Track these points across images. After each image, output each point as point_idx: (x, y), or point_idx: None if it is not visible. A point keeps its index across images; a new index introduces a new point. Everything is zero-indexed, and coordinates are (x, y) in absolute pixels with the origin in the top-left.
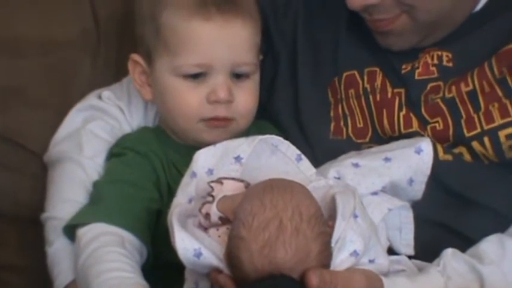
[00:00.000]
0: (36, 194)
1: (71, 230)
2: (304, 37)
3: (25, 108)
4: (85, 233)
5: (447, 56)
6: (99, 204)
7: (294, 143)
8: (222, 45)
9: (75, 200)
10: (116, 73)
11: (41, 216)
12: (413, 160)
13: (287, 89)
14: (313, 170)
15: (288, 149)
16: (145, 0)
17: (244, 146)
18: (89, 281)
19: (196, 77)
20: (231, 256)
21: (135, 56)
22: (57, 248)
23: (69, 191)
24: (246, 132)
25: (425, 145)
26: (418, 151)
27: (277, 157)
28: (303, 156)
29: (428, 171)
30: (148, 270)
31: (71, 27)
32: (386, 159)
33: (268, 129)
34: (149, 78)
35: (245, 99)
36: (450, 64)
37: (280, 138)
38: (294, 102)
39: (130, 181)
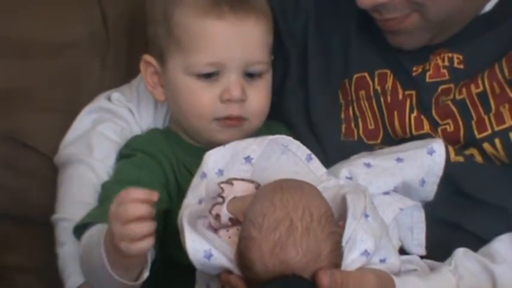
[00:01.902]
0: (47, 195)
1: (81, 232)
2: (314, 38)
3: (34, 110)
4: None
5: (458, 58)
6: (106, 205)
7: (305, 144)
8: (235, 44)
9: (86, 201)
10: (125, 74)
11: (51, 218)
12: (425, 161)
13: (298, 90)
14: (323, 169)
15: (298, 149)
16: (158, 0)
17: (254, 146)
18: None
19: (209, 76)
20: (242, 257)
21: (147, 57)
22: (68, 249)
23: (79, 193)
24: (257, 133)
25: (438, 146)
26: (431, 152)
27: (287, 157)
28: (313, 156)
29: (440, 172)
30: (159, 271)
31: (79, 29)
32: (399, 160)
33: (279, 130)
34: (161, 79)
35: (258, 98)
36: (461, 66)
37: (291, 138)
38: (305, 104)
39: (137, 181)
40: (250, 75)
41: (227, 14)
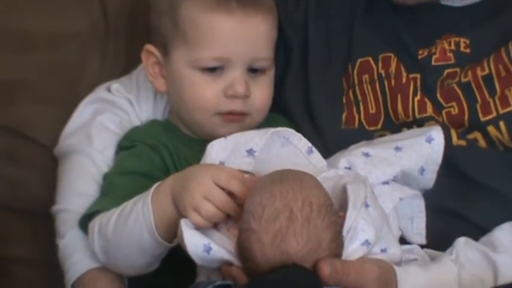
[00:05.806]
0: (47, 187)
1: (86, 223)
2: (315, 26)
3: (35, 102)
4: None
5: (465, 42)
6: (111, 194)
7: (305, 135)
8: (241, 40)
9: (86, 192)
10: (125, 66)
11: (51, 209)
12: (424, 149)
13: (298, 81)
14: (324, 162)
15: (299, 142)
16: None
17: (256, 138)
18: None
19: (213, 70)
20: (242, 248)
21: (149, 47)
22: (69, 240)
23: (79, 184)
24: (257, 126)
25: (436, 134)
26: (429, 140)
27: (287, 149)
28: (314, 149)
29: (439, 160)
30: (160, 264)
31: (79, 21)
32: (397, 149)
33: (279, 121)
34: (163, 70)
35: (261, 94)
36: (468, 50)
37: (292, 131)
38: (305, 94)
39: (141, 172)
40: (253, 71)
41: (235, 10)
